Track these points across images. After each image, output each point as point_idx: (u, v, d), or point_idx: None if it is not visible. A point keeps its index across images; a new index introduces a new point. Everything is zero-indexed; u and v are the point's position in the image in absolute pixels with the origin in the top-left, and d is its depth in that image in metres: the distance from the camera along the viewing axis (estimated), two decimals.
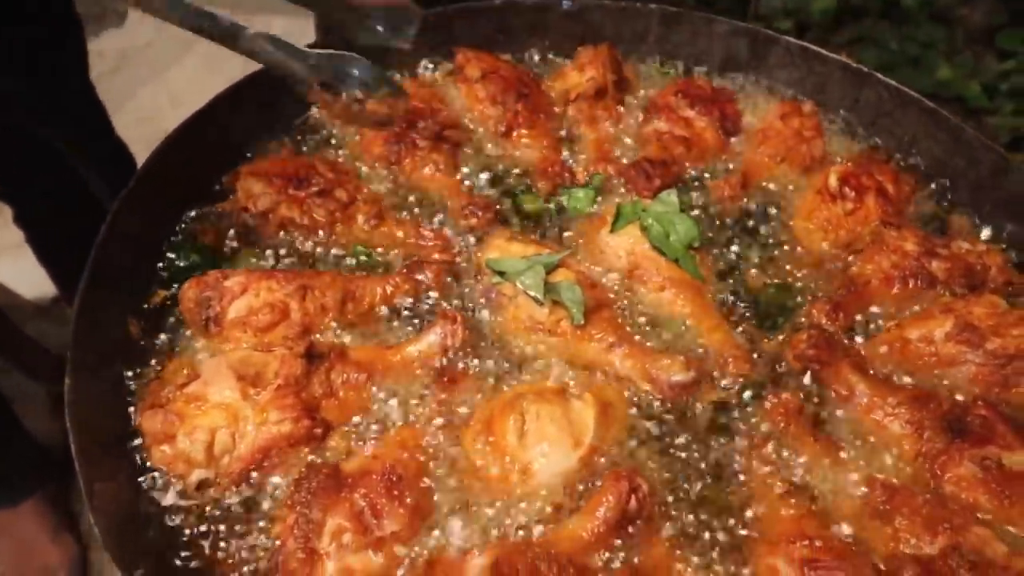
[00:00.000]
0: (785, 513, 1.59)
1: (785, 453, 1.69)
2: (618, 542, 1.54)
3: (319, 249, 2.03)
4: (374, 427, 1.70)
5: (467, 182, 2.23)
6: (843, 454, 1.69)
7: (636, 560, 1.53)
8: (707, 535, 1.58)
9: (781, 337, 1.90)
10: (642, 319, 1.94)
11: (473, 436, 1.66)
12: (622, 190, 2.23)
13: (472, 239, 2.07)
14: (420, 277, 1.95)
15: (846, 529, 1.57)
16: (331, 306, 1.84)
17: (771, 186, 2.28)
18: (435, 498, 1.58)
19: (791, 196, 2.25)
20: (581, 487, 1.61)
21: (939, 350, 1.83)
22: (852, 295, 1.97)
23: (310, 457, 1.62)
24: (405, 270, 1.96)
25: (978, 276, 1.99)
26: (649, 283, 1.97)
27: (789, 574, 1.47)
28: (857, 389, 1.76)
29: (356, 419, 1.70)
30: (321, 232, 2.04)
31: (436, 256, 2.02)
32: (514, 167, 2.30)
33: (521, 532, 1.55)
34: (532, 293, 1.85)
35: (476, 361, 1.81)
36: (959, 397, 1.78)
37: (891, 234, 2.07)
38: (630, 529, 1.55)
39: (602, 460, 1.65)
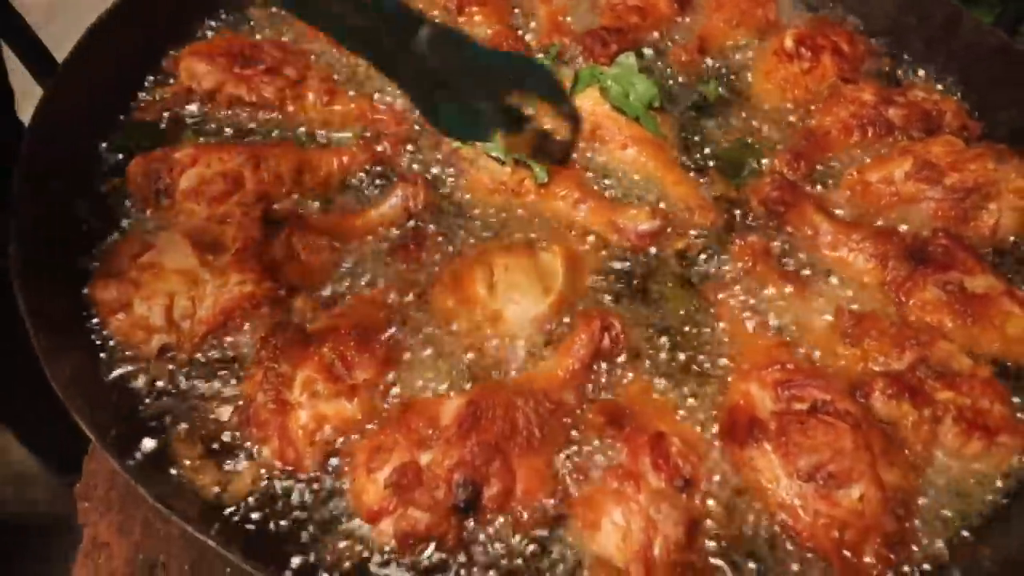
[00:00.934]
0: (757, 344, 1.60)
1: (754, 291, 1.70)
2: (594, 379, 1.54)
3: (274, 130, 1.96)
4: (340, 289, 1.66)
5: None
6: (810, 288, 1.70)
7: (613, 394, 1.53)
8: (681, 371, 1.58)
9: (745, 187, 1.90)
10: (607, 180, 1.91)
11: (442, 290, 1.63)
12: (579, 60, 2.18)
13: None
14: (378, 148, 1.89)
15: (816, 354, 1.59)
16: (287, 176, 1.78)
17: (728, 51, 2.25)
18: (407, 350, 1.56)
19: (749, 60, 2.23)
20: (553, 327, 1.60)
21: (900, 189, 1.85)
22: (812, 145, 1.98)
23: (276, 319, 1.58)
24: (362, 141, 1.91)
25: (934, 121, 2.00)
26: (611, 143, 1.94)
27: (763, 396, 1.48)
28: (822, 228, 1.77)
29: (321, 282, 1.65)
30: (273, 112, 1.96)
31: (393, 129, 1.96)
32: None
33: (496, 375, 1.54)
34: (493, 154, 1.82)
35: (440, 225, 1.77)
36: (919, 232, 1.80)
37: (848, 88, 2.07)
38: (605, 366, 1.55)
39: (574, 307, 1.64)
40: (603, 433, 1.44)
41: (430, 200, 1.77)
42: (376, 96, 2.04)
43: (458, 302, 1.60)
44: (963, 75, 2.13)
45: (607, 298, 1.68)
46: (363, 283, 1.66)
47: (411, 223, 1.76)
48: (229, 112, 1.97)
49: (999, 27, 2.10)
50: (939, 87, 2.18)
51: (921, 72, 2.21)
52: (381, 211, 1.75)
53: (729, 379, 1.56)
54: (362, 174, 1.87)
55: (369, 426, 1.44)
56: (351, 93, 2.04)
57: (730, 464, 1.44)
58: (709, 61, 2.22)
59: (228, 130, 1.94)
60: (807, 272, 1.74)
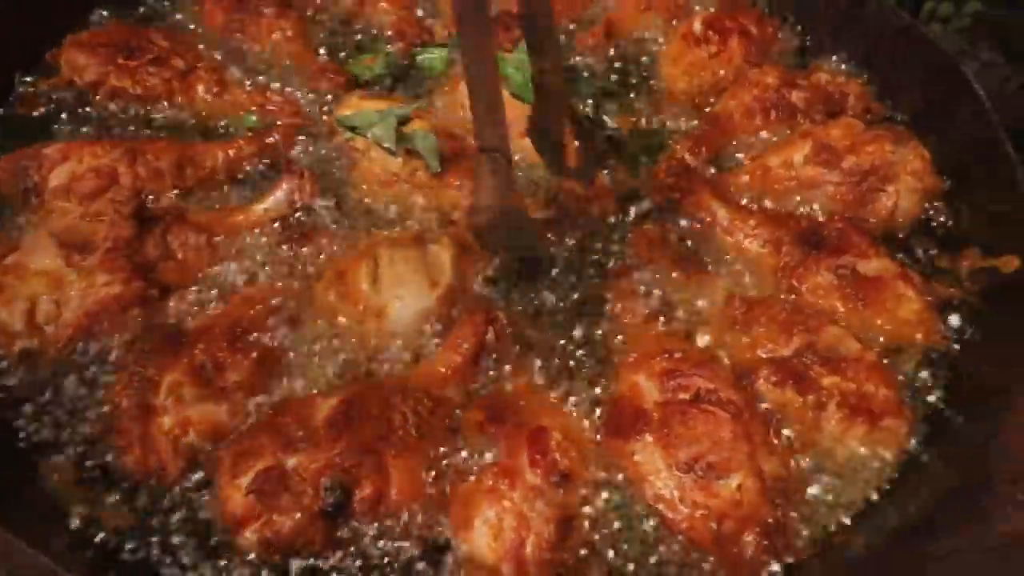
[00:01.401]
0: (648, 334, 1.57)
1: (649, 280, 1.67)
2: (479, 374, 1.50)
3: (160, 123, 1.89)
4: (221, 287, 1.60)
5: (319, 48, 2.10)
6: (705, 276, 1.67)
7: (499, 390, 1.49)
8: (572, 363, 1.55)
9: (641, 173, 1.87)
10: None
11: (325, 287, 1.57)
12: None
13: (324, 102, 1.96)
14: (268, 140, 1.83)
15: (706, 341, 1.56)
16: (167, 171, 1.71)
17: (637, 35, 2.22)
18: (287, 348, 1.50)
19: (659, 44, 2.20)
20: (441, 327, 1.55)
21: (798, 174, 1.83)
22: (714, 130, 1.95)
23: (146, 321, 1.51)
24: (250, 134, 1.84)
25: (837, 103, 1.99)
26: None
27: (650, 387, 1.45)
28: (719, 214, 1.75)
29: (199, 281, 1.59)
30: (159, 104, 1.89)
31: (286, 120, 1.90)
32: (369, 29, 2.18)
33: (377, 373, 1.49)
34: (385, 144, 1.77)
35: (329, 218, 1.72)
36: (819, 218, 1.79)
37: (753, 71, 2.05)
38: (491, 361, 1.51)
39: (463, 300, 1.60)
40: (483, 430, 1.40)
41: (317, 193, 1.71)
42: (272, 86, 1.98)
43: (340, 298, 1.55)
44: (868, 57, 2.12)
45: (498, 290, 1.64)
46: (244, 280, 1.60)
47: (297, 216, 1.70)
48: (113, 105, 1.89)
49: (903, 8, 2.07)
50: (845, 69, 2.16)
51: (832, 56, 2.19)
52: (265, 205, 1.69)
53: (619, 369, 1.53)
54: (252, 167, 1.81)
55: (239, 431, 1.38)
56: (246, 83, 1.97)
57: (613, 458, 1.41)
58: (617, 46, 2.18)
59: (112, 124, 1.87)
60: (705, 260, 1.72)
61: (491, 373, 1.51)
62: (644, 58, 2.17)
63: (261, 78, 2.00)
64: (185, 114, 1.91)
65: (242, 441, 1.34)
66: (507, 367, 1.52)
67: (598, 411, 1.48)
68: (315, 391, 1.46)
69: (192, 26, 2.12)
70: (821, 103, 1.98)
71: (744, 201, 1.83)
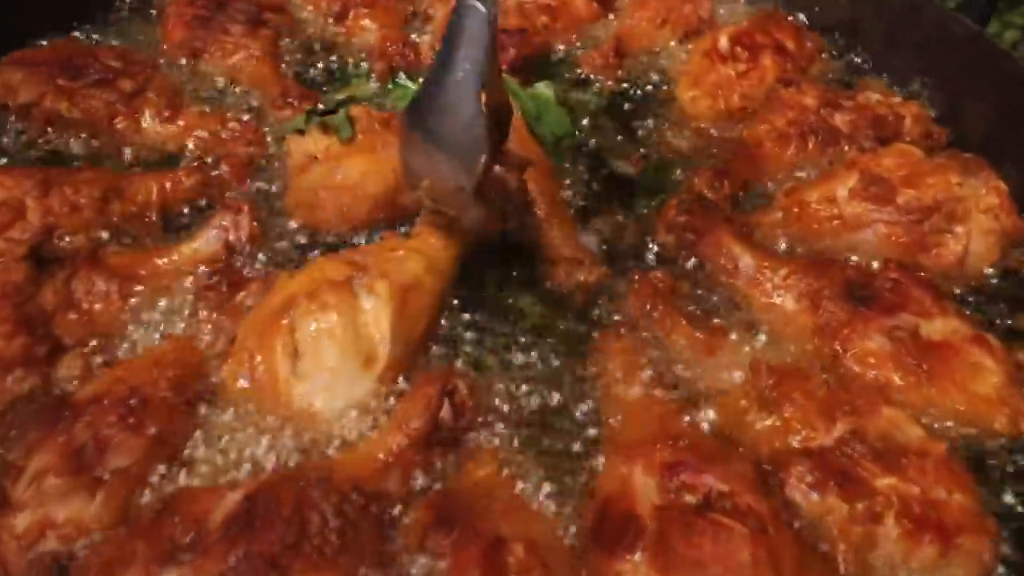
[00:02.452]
0: (648, 411, 1.25)
1: (651, 341, 1.35)
2: (429, 461, 1.19)
3: (94, 151, 1.66)
4: (128, 345, 1.33)
5: (288, 70, 1.86)
6: (722, 337, 1.34)
7: (451, 483, 1.18)
8: (547, 447, 1.23)
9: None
10: None
11: (237, 366, 1.25)
12: None
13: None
14: (214, 172, 1.58)
15: (716, 420, 1.23)
16: (87, 205, 1.46)
17: (651, 53, 1.93)
18: (196, 426, 1.22)
19: (675, 64, 1.91)
20: (387, 402, 1.25)
21: (843, 211, 1.50)
22: (740, 159, 1.64)
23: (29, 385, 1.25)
24: (195, 164, 1.59)
25: (890, 127, 1.66)
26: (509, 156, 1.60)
27: (646, 484, 1.12)
28: (742, 261, 1.43)
29: (105, 336, 1.33)
30: (99, 129, 1.66)
31: (241, 150, 1.65)
32: (348, 52, 1.93)
33: (300, 459, 1.20)
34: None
35: (262, 258, 1.45)
36: (866, 264, 1.45)
37: (787, 91, 1.74)
38: (445, 442, 1.20)
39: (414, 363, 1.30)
40: (426, 538, 1.08)
41: (256, 232, 1.44)
42: (230, 113, 1.74)
43: (257, 382, 1.23)
44: (926, 73, 1.79)
45: (461, 349, 1.34)
46: (157, 337, 1.33)
47: (234, 260, 1.43)
48: (50, 131, 1.67)
49: (966, 15, 1.75)
50: (898, 88, 1.83)
51: (883, 74, 1.87)
52: (195, 245, 1.42)
53: (605, 458, 1.20)
54: (192, 204, 1.56)
55: (114, 530, 1.09)
56: (204, 109, 1.74)
57: None
58: (628, 65, 1.90)
59: (38, 152, 1.64)
60: (720, 318, 1.39)
61: (439, 462, 1.19)
62: (658, 78, 1.88)
63: (220, 103, 1.76)
64: (129, 142, 1.67)
65: (111, 546, 1.05)
66: (463, 451, 1.20)
67: (575, 513, 1.15)
68: (223, 482, 1.17)
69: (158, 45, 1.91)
70: (870, 127, 1.65)
71: (775, 245, 1.50)
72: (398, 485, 1.15)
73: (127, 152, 1.66)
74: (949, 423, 1.23)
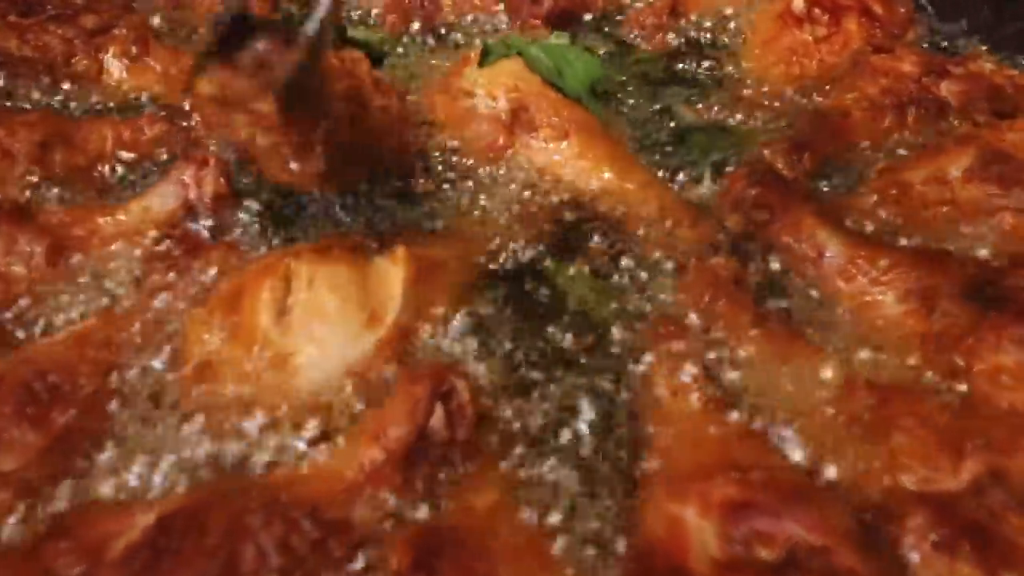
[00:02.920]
0: (703, 433, 0.94)
1: (712, 344, 1.05)
2: (413, 485, 0.90)
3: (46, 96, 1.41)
4: (61, 317, 1.07)
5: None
6: (803, 343, 1.04)
7: (440, 514, 0.88)
8: (570, 472, 0.93)
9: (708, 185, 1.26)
10: (528, 192, 1.29)
11: (207, 316, 1.02)
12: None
13: None
14: (185, 123, 1.32)
15: (801, 454, 0.92)
16: (25, 152, 1.22)
17: (712, 14, 1.64)
18: (111, 420, 0.95)
19: (740, 26, 1.62)
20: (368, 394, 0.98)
21: (956, 195, 1.19)
22: (823, 131, 1.34)
23: None
24: (161, 112, 1.34)
25: (1009, 100, 1.35)
26: (542, 130, 1.33)
27: (703, 530, 0.82)
28: (828, 247, 1.12)
29: (22, 308, 1.07)
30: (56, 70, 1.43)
31: None
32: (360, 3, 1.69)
33: (252, 470, 0.92)
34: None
35: (241, 225, 1.18)
36: (989, 259, 1.14)
37: (880, 57, 1.44)
38: (436, 460, 0.91)
39: (416, 348, 1.02)
40: None
41: (225, 189, 1.17)
42: None
43: (226, 336, 0.99)
44: None
45: (468, 325, 1.06)
46: (95, 307, 1.07)
47: (195, 222, 1.17)
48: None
49: None
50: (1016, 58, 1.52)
51: (989, 46, 1.56)
52: (147, 203, 1.16)
53: (649, 492, 0.90)
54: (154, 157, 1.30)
55: None
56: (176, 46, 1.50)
57: None
58: (686, 27, 1.62)
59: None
60: (801, 316, 1.09)
61: (440, 481, 0.90)
62: (720, 42, 1.60)
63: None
64: (90, 86, 1.43)
65: None
66: (461, 471, 0.91)
67: (605, 561, 0.85)
68: (151, 496, 0.89)
69: None
70: (985, 98, 1.35)
71: (867, 230, 1.20)
72: (368, 513, 0.86)
73: (93, 98, 1.41)
74: None
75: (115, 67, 1.43)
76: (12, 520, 0.84)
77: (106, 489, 0.88)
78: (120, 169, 1.27)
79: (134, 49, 1.43)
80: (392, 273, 1.04)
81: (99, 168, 1.26)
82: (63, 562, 0.78)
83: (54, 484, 0.87)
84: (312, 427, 0.94)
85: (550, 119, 1.34)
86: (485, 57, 1.43)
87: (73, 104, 1.39)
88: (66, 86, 1.42)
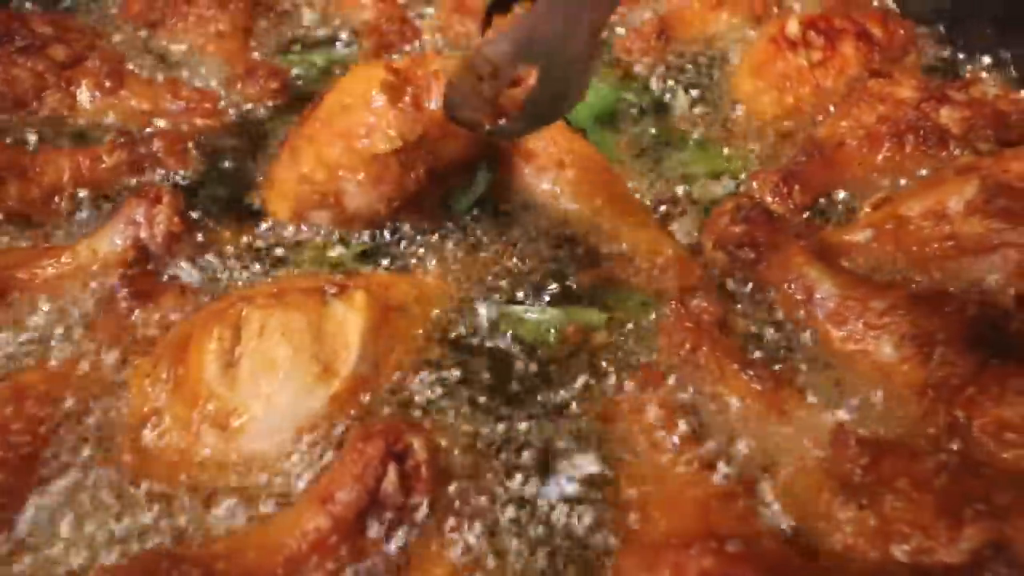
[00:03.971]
0: (680, 493, 0.87)
1: (689, 394, 0.97)
2: (362, 553, 0.82)
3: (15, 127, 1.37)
4: None
5: (256, 49, 1.57)
6: (789, 392, 0.96)
7: None
8: (531, 536, 0.86)
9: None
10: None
11: (151, 368, 0.96)
12: None
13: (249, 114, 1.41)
14: (143, 150, 1.27)
15: (786, 520, 0.84)
16: None
17: (704, 38, 1.58)
18: (47, 484, 0.88)
19: (734, 50, 1.56)
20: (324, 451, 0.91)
21: (957, 230, 1.11)
22: (814, 163, 1.27)
23: None
24: (121, 140, 1.28)
25: (1015, 128, 1.27)
26: (542, 160, 1.26)
27: None
28: (819, 288, 1.05)
29: None
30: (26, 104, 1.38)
31: (198, 122, 1.36)
32: (339, 29, 1.64)
33: (190, 539, 0.85)
34: None
35: (192, 265, 1.12)
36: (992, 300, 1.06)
37: (877, 82, 1.37)
38: (389, 525, 0.84)
39: (373, 402, 0.95)
40: None
41: (176, 229, 1.11)
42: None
43: (172, 390, 0.93)
44: None
45: (432, 378, 0.99)
46: (33, 357, 1.01)
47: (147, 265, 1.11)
48: None
49: None
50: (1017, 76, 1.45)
51: (994, 60, 1.50)
52: (96, 244, 1.10)
53: (618, 559, 0.83)
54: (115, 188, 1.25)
55: None
56: (158, 77, 1.45)
57: None
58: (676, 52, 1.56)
59: None
60: (787, 366, 1.01)
61: (391, 550, 0.83)
62: (712, 66, 1.54)
63: (177, 74, 1.48)
64: (62, 119, 1.38)
65: None
66: (413, 537, 0.84)
67: None
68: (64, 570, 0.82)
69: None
70: (988, 126, 1.27)
71: (860, 269, 1.13)
72: None
73: (69, 129, 1.36)
74: None
75: (87, 100, 1.38)
76: None
77: (27, 557, 0.82)
78: (75, 201, 1.21)
79: (107, 82, 1.38)
80: (350, 320, 0.98)
81: (55, 202, 1.20)
82: None
83: None
84: (255, 491, 0.87)
85: (546, 150, 1.28)
86: None
87: (32, 136, 1.34)
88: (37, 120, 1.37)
